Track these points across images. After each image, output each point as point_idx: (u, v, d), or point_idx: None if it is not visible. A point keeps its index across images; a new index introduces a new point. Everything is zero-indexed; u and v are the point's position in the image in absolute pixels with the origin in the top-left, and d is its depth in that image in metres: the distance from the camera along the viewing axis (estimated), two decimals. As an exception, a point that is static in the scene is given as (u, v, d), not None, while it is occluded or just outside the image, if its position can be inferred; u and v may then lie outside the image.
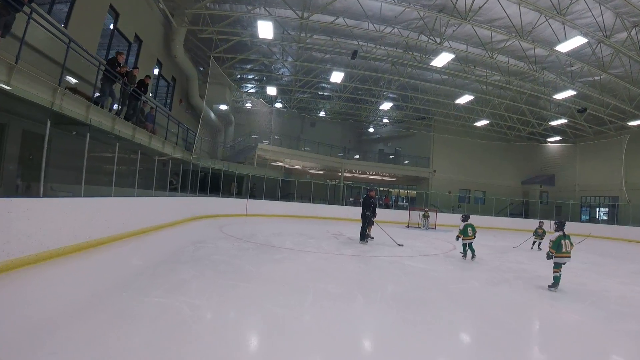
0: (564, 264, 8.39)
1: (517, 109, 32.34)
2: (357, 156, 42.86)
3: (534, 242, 16.96)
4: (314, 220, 25.43)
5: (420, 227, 25.71)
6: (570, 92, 24.39)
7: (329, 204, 30.73)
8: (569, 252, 8.45)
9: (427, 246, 15.58)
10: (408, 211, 28.19)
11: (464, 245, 12.21)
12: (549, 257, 8.59)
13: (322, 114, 41.87)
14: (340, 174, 38.12)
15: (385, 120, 44.05)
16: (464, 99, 28.02)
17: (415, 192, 42.01)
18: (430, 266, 10.52)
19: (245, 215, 24.54)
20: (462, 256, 12.20)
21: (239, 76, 32.70)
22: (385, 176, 43.28)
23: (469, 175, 40.50)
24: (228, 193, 25.04)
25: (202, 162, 23.12)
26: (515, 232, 29.80)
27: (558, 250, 8.36)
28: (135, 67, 14.90)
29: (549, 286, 8.33)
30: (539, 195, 40.32)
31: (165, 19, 20.78)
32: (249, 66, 29.79)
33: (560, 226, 8.88)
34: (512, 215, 36.33)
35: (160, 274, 7.05)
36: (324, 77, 30.12)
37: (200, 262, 8.55)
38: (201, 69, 27.87)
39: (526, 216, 35.67)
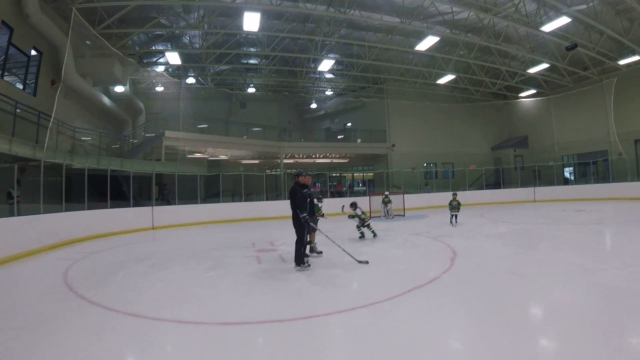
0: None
1: (487, 57, 27.20)
2: (302, 139, 36.68)
3: (452, 215, 16.00)
4: (246, 225, 19.77)
5: (384, 218, 20.26)
6: (563, 20, 19.17)
7: (267, 199, 24.71)
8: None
9: (406, 252, 10.22)
10: (368, 197, 22.54)
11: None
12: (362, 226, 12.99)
13: (252, 90, 35.32)
14: (279, 161, 31.95)
15: (329, 92, 38.06)
16: (426, 43, 22.17)
17: (372, 173, 36.48)
18: (446, 330, 4.73)
19: (152, 228, 18.80)
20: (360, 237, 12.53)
21: (137, 48, 25.76)
22: (335, 158, 37.40)
23: (433, 146, 35.31)
24: (127, 199, 19.25)
25: (77, 162, 17.21)
26: (496, 205, 25.98)
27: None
28: None
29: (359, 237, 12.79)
30: (513, 160, 35.78)
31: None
32: (143, 30, 22.63)
33: (354, 207, 13.00)
34: (488, 186, 31.82)
35: None
36: (243, 37, 24.03)
37: None
38: (87, 42, 21.31)
39: (504, 186, 31.12)
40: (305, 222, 8.29)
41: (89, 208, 16.00)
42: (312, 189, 9.16)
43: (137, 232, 17.63)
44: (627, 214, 16.86)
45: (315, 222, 9.60)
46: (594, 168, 30.13)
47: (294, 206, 8.45)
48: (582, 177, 31.39)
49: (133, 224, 17.93)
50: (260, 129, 32.51)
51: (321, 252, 9.77)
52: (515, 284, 6.60)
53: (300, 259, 8.28)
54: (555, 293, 5.92)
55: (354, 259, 8.67)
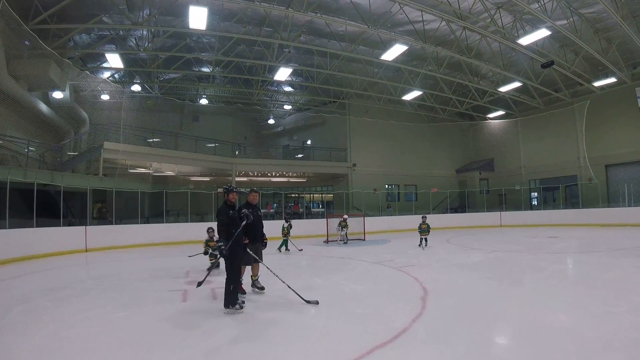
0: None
1: (457, 74, 26.38)
2: (258, 156, 34.64)
3: (421, 239, 15.72)
4: (189, 248, 17.59)
5: (339, 242, 18.79)
6: (543, 33, 18.29)
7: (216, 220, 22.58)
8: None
9: (366, 288, 8.48)
10: (326, 220, 20.91)
11: None
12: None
13: (205, 101, 33.34)
14: (231, 179, 29.88)
15: (287, 107, 36.50)
16: (393, 52, 20.74)
17: (332, 194, 34.91)
18: None
19: (86, 250, 16.75)
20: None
21: (78, 53, 23.68)
22: (292, 177, 35.65)
23: (396, 167, 34.22)
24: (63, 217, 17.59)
25: None
26: (462, 230, 25.33)
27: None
28: None
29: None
30: (478, 183, 35.11)
31: None
32: (82, 26, 20.31)
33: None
34: (452, 210, 30.97)
35: None
36: (194, 40, 22.52)
37: None
38: (26, 42, 19.12)
39: (469, 210, 30.87)
40: (220, 254, 6.67)
41: (12, 226, 14.33)
42: (245, 211, 7.39)
43: (67, 254, 15.75)
44: (606, 242, 15.97)
45: (259, 252, 7.92)
46: (563, 192, 29.72)
47: (223, 228, 6.77)
48: (547, 202, 31.12)
49: (63, 245, 16.12)
50: (212, 144, 30.58)
51: (263, 288, 8.06)
52: (510, 340, 5.11)
53: (230, 300, 6.52)
54: (569, 355, 4.39)
55: (301, 298, 6.98)
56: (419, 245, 15.57)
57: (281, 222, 16.31)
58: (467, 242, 17.89)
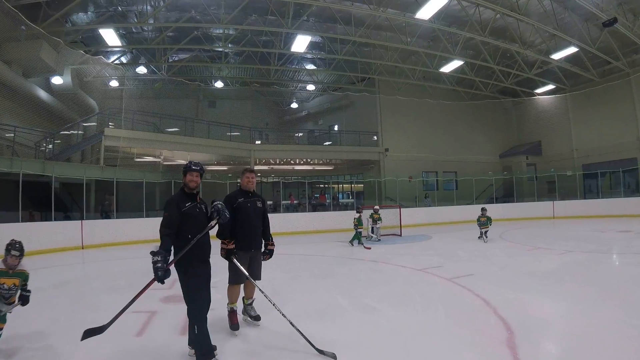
0: None
1: (501, 41, 23.29)
2: (280, 142, 32.61)
3: (482, 232, 14.55)
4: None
5: (370, 238, 15.98)
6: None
7: (230, 212, 20.60)
8: None
9: (412, 320, 5.63)
10: (358, 213, 18.42)
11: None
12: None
13: (220, 84, 31.17)
14: (250, 167, 27.42)
15: (311, 87, 33.97)
16: (430, 8, 17.93)
17: (362, 183, 32.44)
18: None
19: (82, 247, 15.35)
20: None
21: (78, 35, 22.38)
22: (318, 164, 33.19)
23: (433, 152, 31.19)
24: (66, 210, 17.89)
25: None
26: (511, 222, 22.54)
27: None
28: None
29: None
30: (526, 169, 32.01)
31: None
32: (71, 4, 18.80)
33: None
34: (498, 200, 28.16)
35: None
36: (199, 12, 20.35)
37: None
38: (23, 27, 17.98)
39: (517, 199, 28.09)
40: (155, 275, 3.93)
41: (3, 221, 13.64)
42: (217, 204, 4.69)
43: (59, 252, 14.31)
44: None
45: (255, 265, 5.42)
46: (620, 178, 26.34)
47: (169, 228, 4.14)
48: (592, 190, 28.08)
49: (54, 242, 14.65)
50: (229, 132, 28.66)
51: (258, 318, 5.52)
52: None
53: (202, 350, 4.05)
54: None
55: (313, 345, 4.42)
56: (479, 238, 14.50)
57: (299, 215, 16.50)
58: (525, 238, 15.31)
